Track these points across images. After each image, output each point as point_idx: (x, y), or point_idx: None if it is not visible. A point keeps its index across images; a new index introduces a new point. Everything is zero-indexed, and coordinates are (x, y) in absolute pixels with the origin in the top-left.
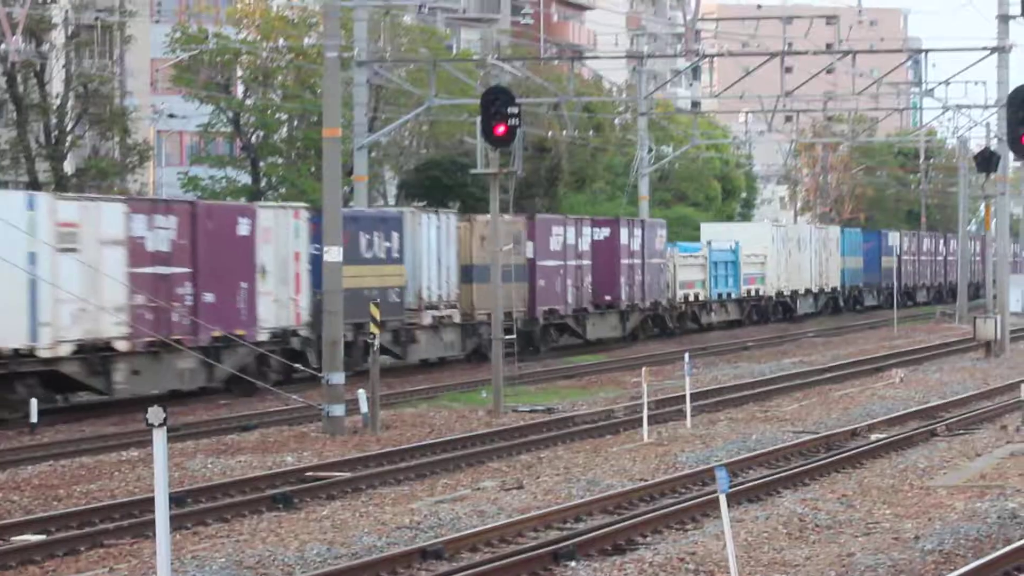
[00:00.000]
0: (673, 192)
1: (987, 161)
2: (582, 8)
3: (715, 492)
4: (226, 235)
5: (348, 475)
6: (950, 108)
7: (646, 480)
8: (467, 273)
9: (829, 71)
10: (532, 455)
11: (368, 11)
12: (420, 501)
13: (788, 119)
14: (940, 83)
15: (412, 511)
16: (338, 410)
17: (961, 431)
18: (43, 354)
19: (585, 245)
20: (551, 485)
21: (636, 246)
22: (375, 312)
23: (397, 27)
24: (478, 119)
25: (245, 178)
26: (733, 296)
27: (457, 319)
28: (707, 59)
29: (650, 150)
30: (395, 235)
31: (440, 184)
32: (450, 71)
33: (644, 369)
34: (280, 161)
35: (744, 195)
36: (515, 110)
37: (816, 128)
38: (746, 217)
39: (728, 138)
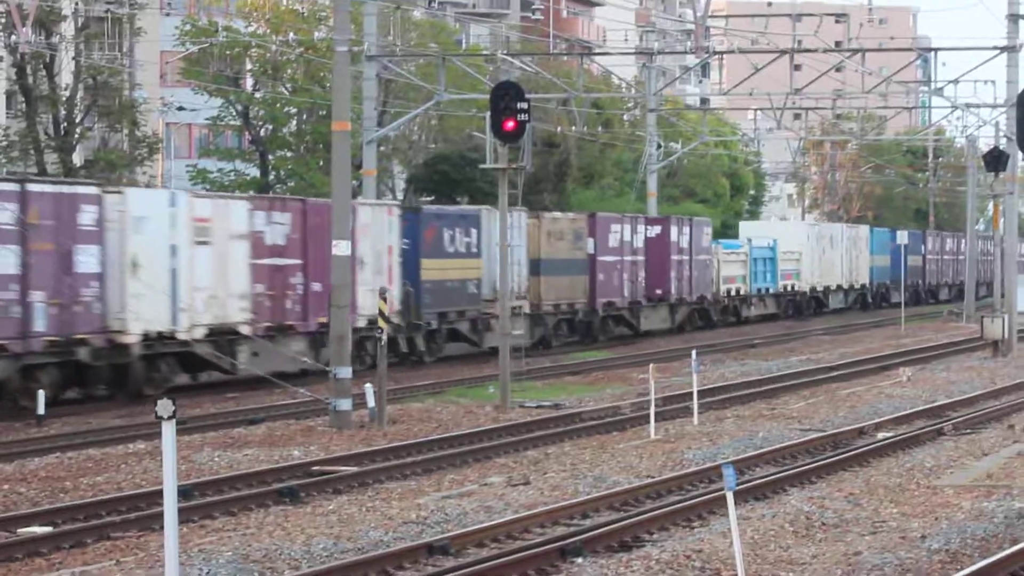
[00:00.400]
0: (681, 188)
1: (996, 160)
2: (591, 4)
3: (722, 489)
4: (318, 228)
5: (355, 470)
6: (959, 107)
7: (653, 477)
8: (535, 266)
9: (838, 69)
10: (539, 451)
11: (378, 5)
12: (427, 496)
13: (797, 116)
14: (949, 82)
15: (419, 506)
16: (345, 404)
17: (968, 430)
18: (181, 336)
19: (639, 242)
20: (558, 481)
21: (685, 243)
22: (383, 307)
23: (407, 22)
24: (487, 114)
25: (254, 171)
26: (771, 291)
27: (526, 309)
28: (716, 56)
29: (659, 146)
30: (473, 231)
31: (449, 179)
32: (459, 66)
33: (651, 366)
34: (289, 154)
35: (752, 192)
36: (524, 105)
37: (825, 126)
38: (754, 214)
39: (737, 135)
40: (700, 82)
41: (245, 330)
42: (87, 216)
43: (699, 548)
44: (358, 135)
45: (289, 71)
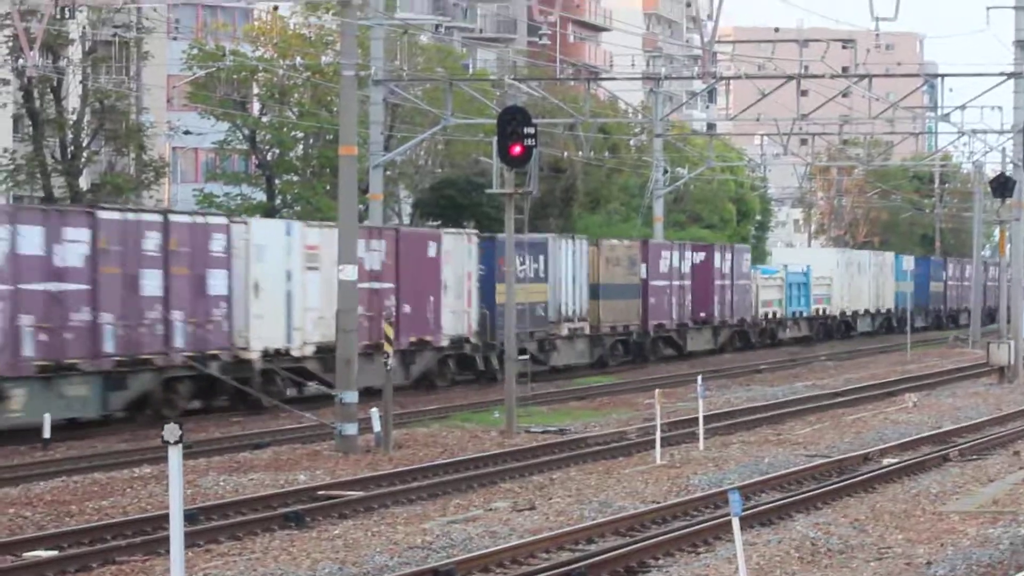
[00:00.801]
0: (688, 213)
1: (1002, 186)
2: (598, 29)
3: (728, 515)
4: (420, 256)
5: (360, 494)
6: (966, 133)
7: (658, 502)
8: (595, 291)
9: (845, 95)
10: (544, 476)
11: (385, 30)
12: (432, 521)
13: (803, 142)
14: (956, 108)
15: (424, 531)
16: (351, 429)
17: (974, 456)
18: (294, 353)
19: (687, 268)
20: (563, 506)
21: (727, 269)
22: (389, 331)
23: (414, 46)
24: (494, 139)
25: (260, 195)
26: (804, 314)
27: (587, 331)
28: (723, 81)
29: (665, 171)
30: (541, 257)
31: (455, 203)
32: (466, 91)
33: (657, 391)
34: (296, 179)
35: (759, 217)
36: (531, 130)
37: (831, 151)
38: (760, 240)
39: (743, 160)
40: (707, 107)
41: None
42: (217, 244)
43: (704, 574)
44: (365, 159)
45: (296, 95)
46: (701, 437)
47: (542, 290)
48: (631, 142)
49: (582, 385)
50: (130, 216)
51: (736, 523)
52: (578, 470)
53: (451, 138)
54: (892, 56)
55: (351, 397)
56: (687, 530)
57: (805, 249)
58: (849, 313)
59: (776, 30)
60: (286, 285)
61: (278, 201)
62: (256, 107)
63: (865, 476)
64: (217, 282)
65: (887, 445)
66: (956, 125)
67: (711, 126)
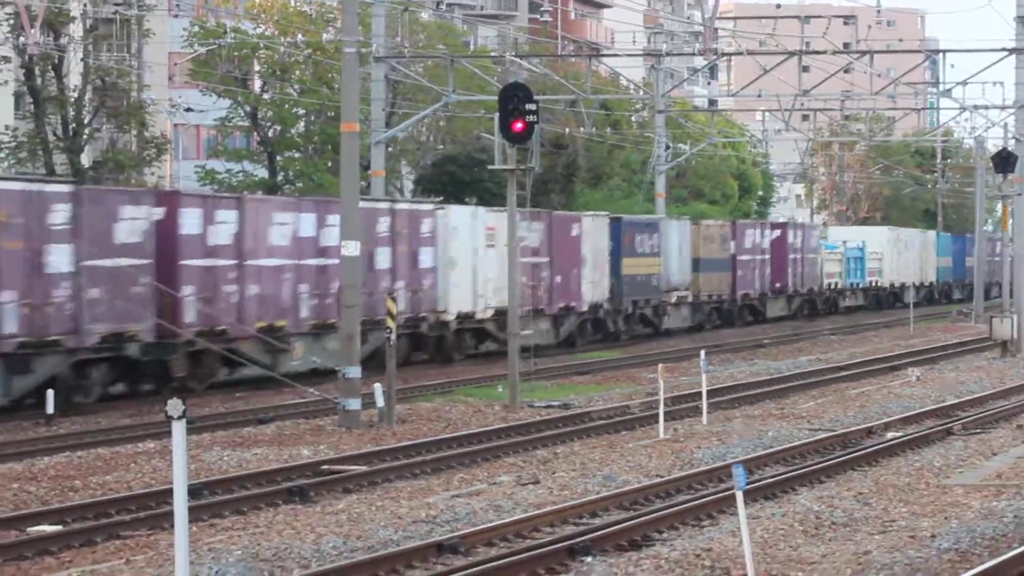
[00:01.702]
0: (690, 189)
1: (1004, 162)
2: (600, 6)
3: (731, 489)
4: (566, 235)
5: (364, 469)
6: (967, 108)
7: (662, 476)
8: (696, 264)
9: (846, 71)
10: (548, 450)
11: (386, 7)
12: (436, 495)
13: (805, 118)
14: (957, 83)
15: (428, 505)
16: (354, 404)
17: (977, 430)
18: (478, 316)
19: (766, 243)
20: (567, 480)
21: (798, 244)
22: (391, 307)
23: (415, 23)
24: (496, 115)
25: (262, 172)
26: (860, 285)
27: (690, 299)
28: (724, 57)
29: (667, 147)
30: (655, 235)
31: (457, 180)
32: (468, 67)
33: (660, 366)
34: (297, 155)
35: (761, 193)
36: (533, 107)
37: (833, 127)
38: (762, 215)
39: (745, 136)
40: (708, 83)
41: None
42: (426, 226)
43: (708, 547)
44: (366, 136)
45: (297, 72)
46: (705, 411)
47: (656, 263)
48: (632, 118)
49: (586, 360)
50: (366, 204)
51: (740, 497)
52: (582, 444)
53: (453, 115)
54: (894, 32)
55: (354, 372)
56: (691, 504)
57: (860, 228)
58: (898, 285)
59: (777, 6)
60: (472, 259)
61: (280, 178)
62: (257, 84)
63: (869, 450)
64: (426, 258)
65: (891, 419)
66: (958, 101)
67: (713, 102)
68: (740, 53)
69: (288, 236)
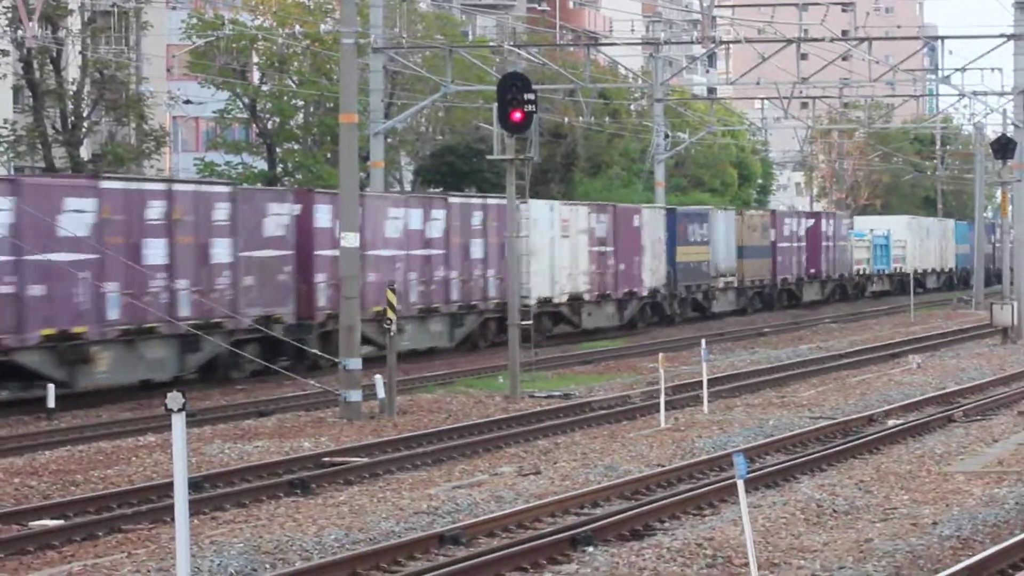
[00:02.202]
0: (689, 178)
1: (1003, 148)
2: None
3: (732, 478)
4: (628, 226)
5: (365, 460)
6: (966, 95)
7: (663, 466)
8: (740, 252)
9: (845, 58)
10: (549, 440)
11: None
12: (438, 486)
13: (804, 106)
14: (956, 70)
15: (430, 496)
16: (355, 395)
17: (978, 417)
18: (555, 300)
19: (802, 232)
20: (568, 470)
21: (831, 232)
22: (392, 298)
23: (413, 13)
24: (494, 105)
25: (261, 164)
26: (885, 272)
27: (735, 284)
28: (723, 46)
29: (666, 136)
30: (705, 225)
31: (456, 170)
32: (466, 58)
33: (660, 355)
34: (296, 147)
35: (760, 181)
36: (531, 96)
37: (832, 115)
38: (762, 203)
39: (744, 124)
40: (707, 72)
41: (587, 297)
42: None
43: (710, 536)
44: (365, 127)
45: (296, 64)
46: (705, 400)
47: (705, 251)
48: (631, 107)
49: (586, 349)
50: (459, 200)
51: (741, 486)
52: (583, 434)
53: (451, 105)
54: (892, 19)
55: (355, 364)
56: (692, 493)
57: (885, 217)
58: (920, 271)
59: None
60: (550, 249)
61: (279, 169)
62: (256, 76)
63: (870, 437)
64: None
65: (892, 406)
66: (956, 87)
67: (711, 90)
68: (738, 41)
69: (400, 229)
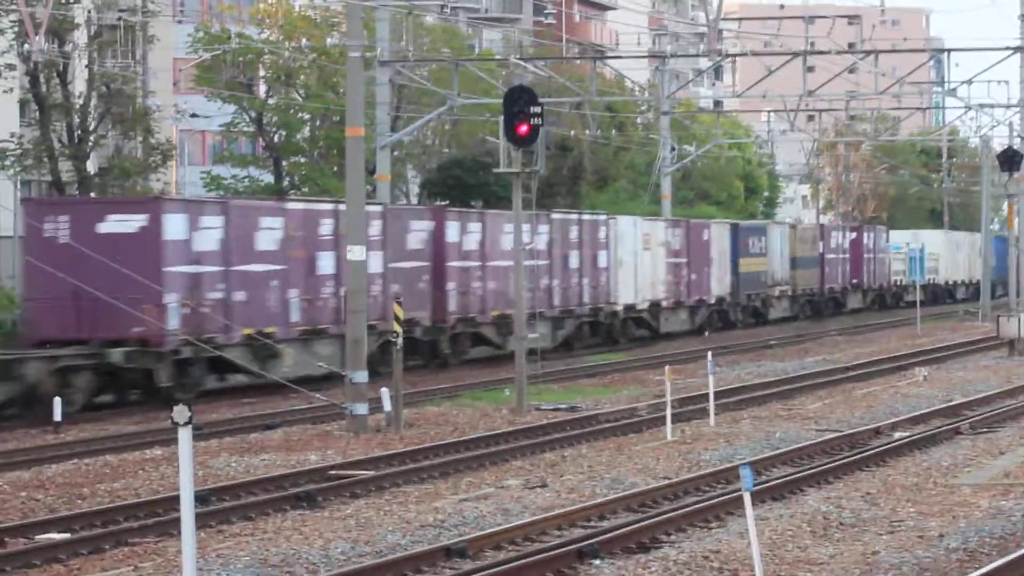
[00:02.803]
0: (695, 191)
1: (1010, 160)
2: (604, 8)
3: (739, 490)
4: (699, 239)
5: (372, 473)
6: (972, 107)
7: (670, 478)
8: (794, 262)
9: (851, 70)
10: (556, 453)
11: (390, 11)
12: (444, 499)
13: (810, 118)
14: (962, 82)
15: (436, 509)
16: (361, 408)
17: (985, 429)
18: (638, 307)
19: (847, 244)
20: (575, 483)
21: (871, 244)
22: (399, 312)
23: (419, 27)
24: (501, 118)
25: (268, 177)
26: (920, 283)
27: (789, 292)
28: (729, 59)
29: (672, 149)
30: (763, 238)
31: (462, 183)
32: (472, 71)
33: (667, 368)
34: (303, 160)
35: (767, 194)
36: (538, 109)
37: (838, 127)
38: (768, 216)
39: (750, 137)
40: (713, 84)
41: (664, 303)
42: (601, 233)
43: (717, 549)
44: (372, 140)
45: (302, 77)
46: (712, 413)
47: (763, 262)
48: (638, 120)
49: (592, 363)
50: (559, 216)
51: (747, 498)
52: (589, 447)
53: (458, 118)
54: (898, 31)
55: (361, 377)
56: (699, 506)
57: (920, 231)
58: (951, 282)
59: (781, 7)
60: (634, 260)
61: (286, 183)
62: (262, 89)
63: (876, 450)
64: (602, 259)
65: (898, 419)
66: (963, 100)
67: (718, 103)
68: (745, 54)
69: (512, 242)
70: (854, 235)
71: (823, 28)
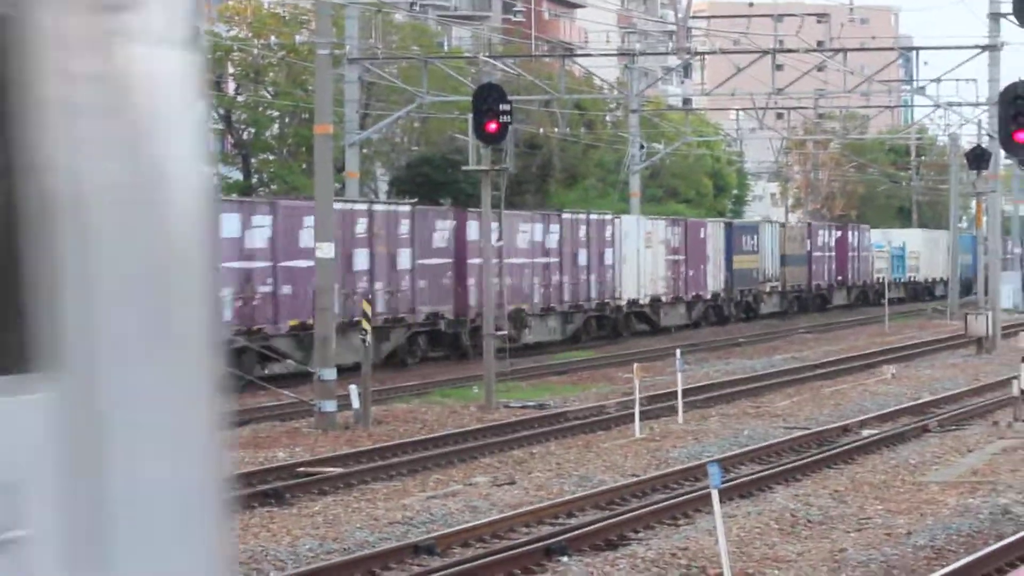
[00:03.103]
0: (664, 189)
1: (978, 159)
2: (573, 6)
3: (707, 488)
4: (696, 237)
5: (340, 470)
6: (941, 106)
7: (638, 476)
8: (783, 260)
9: (820, 69)
10: (524, 451)
11: (359, 8)
12: (412, 496)
13: (779, 116)
14: (931, 81)
15: (404, 506)
16: (330, 406)
17: (953, 427)
18: (641, 301)
19: (832, 242)
20: (543, 481)
21: (855, 243)
22: (367, 308)
23: (388, 24)
24: (470, 116)
25: (236, 174)
26: (901, 280)
27: (779, 289)
28: (698, 56)
29: (641, 147)
30: (755, 236)
31: (431, 180)
32: (442, 68)
33: (635, 365)
34: (272, 157)
35: (736, 192)
36: (507, 107)
37: (807, 125)
38: (737, 214)
39: (719, 135)
40: (682, 82)
41: (664, 299)
42: (607, 232)
43: (684, 546)
44: (340, 138)
45: (271, 75)
46: (680, 410)
47: (755, 260)
48: (607, 118)
49: (561, 360)
50: (568, 215)
51: (715, 495)
52: (558, 444)
53: (427, 116)
54: (867, 29)
55: (329, 374)
56: (667, 503)
57: (901, 230)
58: (930, 280)
59: (751, 4)
60: (636, 258)
61: (254, 180)
62: (231, 86)
63: (844, 447)
64: (607, 256)
65: (866, 416)
66: (931, 98)
67: (687, 101)
68: (714, 52)
69: (527, 240)
70: (839, 234)
71: (792, 26)
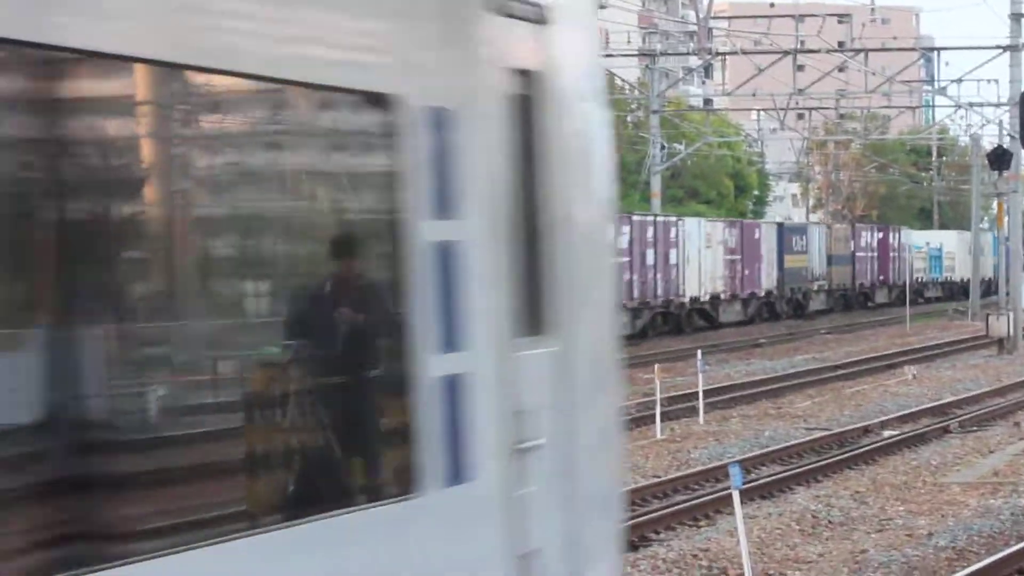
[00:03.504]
0: (685, 189)
1: (999, 159)
2: None
3: (728, 489)
4: (751, 238)
5: None
6: (962, 106)
7: (659, 476)
8: (830, 259)
9: (841, 69)
10: None
11: None
12: None
13: (800, 117)
14: (952, 81)
15: None
16: None
17: (974, 428)
18: (701, 299)
19: (875, 243)
20: None
21: (896, 243)
22: None
23: None
24: None
25: None
26: (938, 280)
27: (826, 287)
28: (719, 57)
29: (662, 147)
30: (804, 237)
31: None
32: None
33: (656, 366)
34: None
35: (756, 192)
36: None
37: (828, 126)
38: (758, 215)
39: (740, 135)
40: (703, 83)
41: (723, 296)
42: (672, 233)
43: (706, 547)
44: None
45: None
46: (701, 411)
47: (804, 259)
48: (628, 118)
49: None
50: (641, 217)
51: (736, 496)
52: None
53: None
54: (888, 30)
55: None
56: (688, 504)
57: (937, 232)
58: (965, 280)
59: (772, 5)
60: (698, 257)
61: None
62: None
63: (865, 448)
64: (671, 256)
65: (887, 417)
66: (953, 98)
67: (708, 102)
68: (735, 52)
69: None
70: (881, 235)
71: (813, 27)
